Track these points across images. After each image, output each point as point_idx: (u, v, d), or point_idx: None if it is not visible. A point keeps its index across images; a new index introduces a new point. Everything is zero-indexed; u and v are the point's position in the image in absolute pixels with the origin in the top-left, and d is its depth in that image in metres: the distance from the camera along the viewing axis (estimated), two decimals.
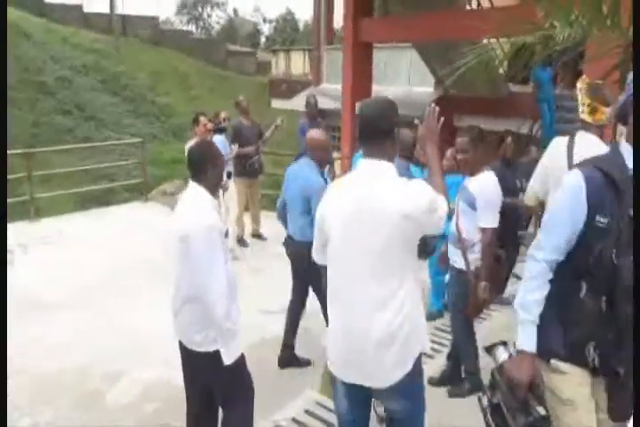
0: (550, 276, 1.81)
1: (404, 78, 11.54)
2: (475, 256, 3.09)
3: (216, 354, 2.39)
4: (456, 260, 3.16)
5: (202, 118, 4.95)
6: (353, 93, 8.29)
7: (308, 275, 3.46)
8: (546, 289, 1.80)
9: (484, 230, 3.06)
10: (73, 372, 3.77)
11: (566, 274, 1.78)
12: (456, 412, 2.98)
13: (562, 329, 1.79)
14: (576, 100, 2.97)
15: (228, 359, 2.41)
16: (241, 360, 2.51)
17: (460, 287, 3.11)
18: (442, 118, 2.16)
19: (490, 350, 1.99)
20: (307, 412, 3.31)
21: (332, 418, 3.23)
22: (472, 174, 3.15)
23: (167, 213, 7.65)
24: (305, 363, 3.80)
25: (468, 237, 3.13)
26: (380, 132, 1.97)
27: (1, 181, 2.83)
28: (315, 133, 3.58)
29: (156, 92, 19.44)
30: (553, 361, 1.82)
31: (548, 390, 1.86)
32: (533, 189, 3.10)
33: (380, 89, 10.24)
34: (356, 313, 1.94)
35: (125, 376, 3.75)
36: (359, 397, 2.07)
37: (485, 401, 1.92)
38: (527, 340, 1.80)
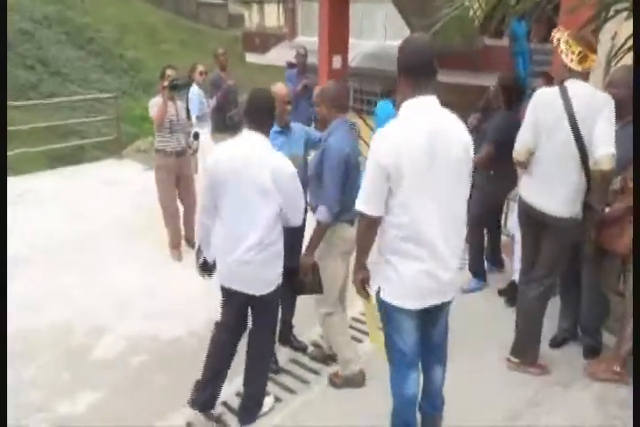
0: None
1: (379, 32, 11.33)
2: None
3: (278, 288, 2.70)
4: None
5: (168, 72, 4.73)
6: (330, 47, 8.12)
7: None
8: None
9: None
10: (54, 328, 3.77)
11: None
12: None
13: None
14: (549, 53, 2.98)
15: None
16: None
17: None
18: None
19: None
20: (292, 360, 3.45)
21: (317, 367, 3.37)
22: None
23: (143, 170, 7.54)
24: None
25: None
26: (434, 68, 2.10)
27: (2, 176, 2.80)
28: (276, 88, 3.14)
29: (124, 46, 18.64)
30: None
31: None
32: (525, 142, 2.97)
33: (355, 42, 10.04)
34: (446, 243, 2.15)
35: (109, 332, 3.76)
36: (419, 321, 2.32)
37: None
38: None
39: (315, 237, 2.88)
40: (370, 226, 2.19)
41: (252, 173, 2.48)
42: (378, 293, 2.28)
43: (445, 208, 2.14)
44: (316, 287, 2.98)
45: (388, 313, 2.29)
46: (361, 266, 2.33)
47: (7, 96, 13.50)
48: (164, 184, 4.77)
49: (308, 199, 2.99)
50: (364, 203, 2.15)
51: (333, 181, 2.80)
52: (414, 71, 2.10)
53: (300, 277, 2.91)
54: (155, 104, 4.60)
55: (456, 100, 3.29)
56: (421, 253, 2.16)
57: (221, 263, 2.69)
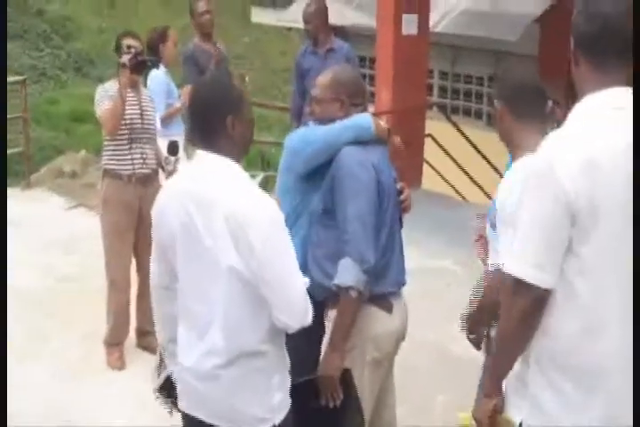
0: None
1: None
2: None
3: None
4: None
5: (128, 41, 4.81)
6: (397, 1, 8.29)
7: None
8: None
9: None
10: None
11: None
12: None
13: None
14: None
15: None
16: None
17: None
18: None
19: None
20: None
21: None
22: None
23: (65, 209, 7.71)
24: None
25: None
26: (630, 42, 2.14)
27: (2, 176, 2.93)
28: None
29: None
30: None
31: None
32: None
33: None
34: (627, 345, 2.12)
35: None
36: None
37: None
38: None
39: (341, 324, 2.90)
40: (537, 306, 2.14)
41: (201, 224, 2.49)
42: None
43: (627, 280, 2.13)
44: (353, 417, 2.94)
45: None
46: (496, 386, 2.31)
47: None
48: (115, 234, 4.83)
49: (309, 265, 3.02)
50: (532, 264, 2.10)
51: (361, 211, 2.86)
52: (601, 47, 2.15)
53: (320, 398, 2.90)
54: (106, 95, 4.71)
55: None
56: (605, 363, 2.14)
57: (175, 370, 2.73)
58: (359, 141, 2.99)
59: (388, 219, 2.98)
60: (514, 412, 2.29)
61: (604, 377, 2.15)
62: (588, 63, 2.18)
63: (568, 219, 2.06)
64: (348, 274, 2.82)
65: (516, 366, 2.28)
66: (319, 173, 3.07)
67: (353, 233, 2.86)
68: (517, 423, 2.26)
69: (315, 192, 3.10)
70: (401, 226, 3.19)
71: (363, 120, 3.06)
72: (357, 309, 2.89)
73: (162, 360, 2.87)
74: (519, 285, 2.11)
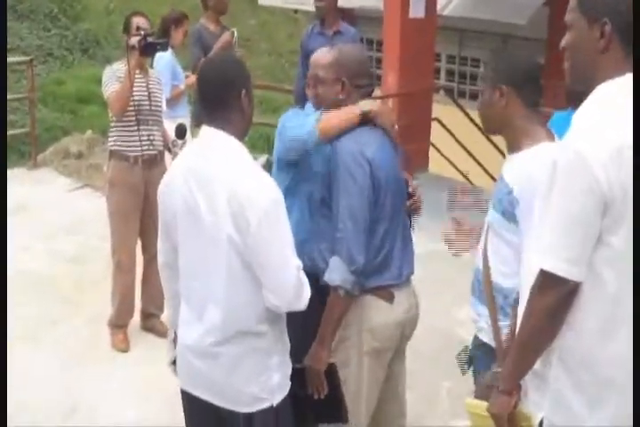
0: None
1: None
2: None
3: (273, 410, 2.62)
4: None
5: (137, 20, 4.80)
6: None
7: None
8: None
9: None
10: None
11: None
12: None
13: None
14: None
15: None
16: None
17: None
18: None
19: None
20: None
21: None
22: None
23: (70, 190, 7.68)
24: None
25: None
26: None
27: (2, 177, 2.89)
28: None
29: None
30: None
31: None
32: None
33: None
34: None
35: None
36: None
37: None
38: None
39: (329, 318, 2.91)
40: (567, 300, 2.11)
41: (203, 202, 2.53)
42: (540, 425, 2.25)
43: None
44: (335, 410, 2.96)
45: None
46: (516, 383, 2.30)
47: None
48: (121, 216, 4.83)
49: (308, 251, 3.02)
50: (564, 259, 2.07)
51: (352, 210, 2.84)
52: (629, 28, 2.08)
53: (308, 390, 2.93)
54: (114, 76, 4.72)
55: None
56: (623, 359, 2.11)
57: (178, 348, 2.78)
58: (352, 129, 2.92)
59: (386, 212, 2.94)
60: (532, 408, 2.27)
61: (621, 373, 2.12)
62: (621, 50, 2.10)
63: (600, 210, 2.01)
64: (335, 273, 2.82)
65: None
66: (304, 161, 3.05)
67: (344, 231, 2.84)
68: (538, 419, 2.23)
69: (304, 181, 3.08)
70: (411, 226, 3.17)
71: (303, 131, 2.98)
72: (345, 306, 2.90)
73: (176, 335, 2.89)
74: (549, 279, 2.07)
